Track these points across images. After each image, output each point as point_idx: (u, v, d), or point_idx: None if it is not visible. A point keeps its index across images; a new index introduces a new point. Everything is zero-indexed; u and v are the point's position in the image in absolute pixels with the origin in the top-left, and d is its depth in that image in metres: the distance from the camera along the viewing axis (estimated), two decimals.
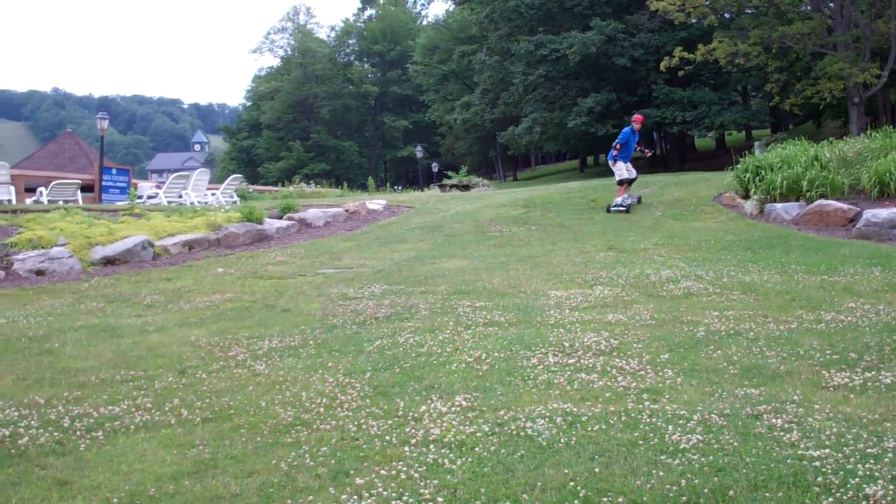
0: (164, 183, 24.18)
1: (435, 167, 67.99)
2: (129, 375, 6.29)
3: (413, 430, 4.77)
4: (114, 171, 24.65)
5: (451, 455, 4.35)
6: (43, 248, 12.60)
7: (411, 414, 5.08)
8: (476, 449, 4.44)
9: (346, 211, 18.58)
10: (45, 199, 19.73)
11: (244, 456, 4.51)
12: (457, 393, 5.46)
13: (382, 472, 4.17)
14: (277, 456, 4.47)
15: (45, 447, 4.75)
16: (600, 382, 5.59)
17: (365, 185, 37.68)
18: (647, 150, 19.83)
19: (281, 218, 17.30)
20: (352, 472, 4.20)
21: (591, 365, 6.05)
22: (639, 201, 17.67)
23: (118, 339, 7.67)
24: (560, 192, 20.51)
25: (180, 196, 21.86)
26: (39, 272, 12.01)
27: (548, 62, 44.26)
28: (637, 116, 17.98)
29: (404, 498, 3.83)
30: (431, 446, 4.51)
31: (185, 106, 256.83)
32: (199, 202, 21.31)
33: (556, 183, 31.34)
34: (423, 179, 59.09)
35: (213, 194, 23.52)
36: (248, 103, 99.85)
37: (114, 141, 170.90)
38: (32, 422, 5.17)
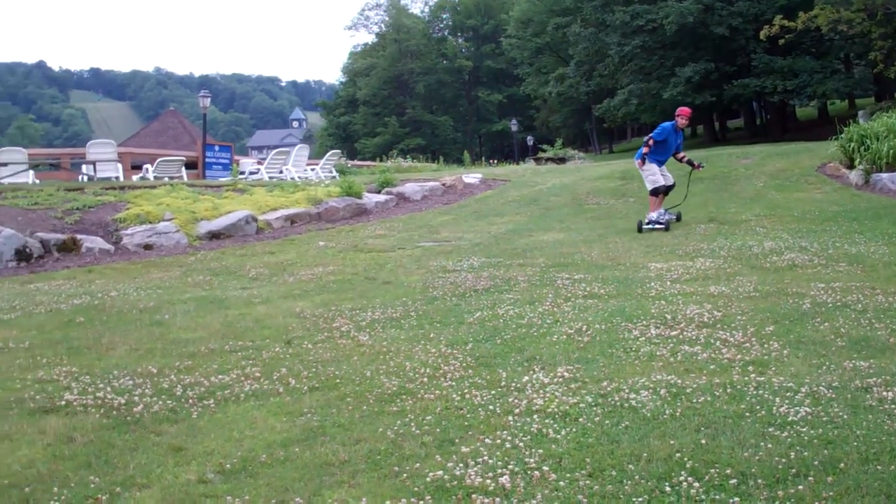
0: (264, 159, 24.58)
1: (530, 140, 67.46)
2: (237, 346, 6.45)
3: (516, 400, 4.78)
4: (216, 148, 25.15)
5: (554, 425, 4.35)
6: (150, 223, 13.00)
7: (514, 384, 5.09)
8: (580, 419, 4.43)
9: (443, 185, 18.68)
10: (151, 176, 20.28)
11: (351, 424, 4.58)
12: (558, 364, 5.46)
13: (487, 440, 4.19)
14: (383, 424, 4.53)
15: (159, 415, 4.89)
16: (704, 354, 5.53)
17: (460, 160, 37.73)
18: (696, 165, 13.85)
19: (379, 192, 17.49)
20: (457, 440, 4.24)
21: (694, 337, 5.98)
22: (678, 219, 13.15)
23: (225, 310, 7.87)
24: None
25: (281, 172, 22.19)
26: (147, 246, 12.40)
27: (644, 32, 43.51)
28: (683, 109, 13.41)
29: (510, 466, 3.84)
30: (535, 416, 4.51)
31: (283, 83, 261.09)
32: (299, 177, 21.62)
33: None
34: (518, 153, 58.95)
35: (312, 170, 23.85)
36: (345, 79, 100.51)
37: (215, 119, 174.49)
38: (146, 390, 5.33)
